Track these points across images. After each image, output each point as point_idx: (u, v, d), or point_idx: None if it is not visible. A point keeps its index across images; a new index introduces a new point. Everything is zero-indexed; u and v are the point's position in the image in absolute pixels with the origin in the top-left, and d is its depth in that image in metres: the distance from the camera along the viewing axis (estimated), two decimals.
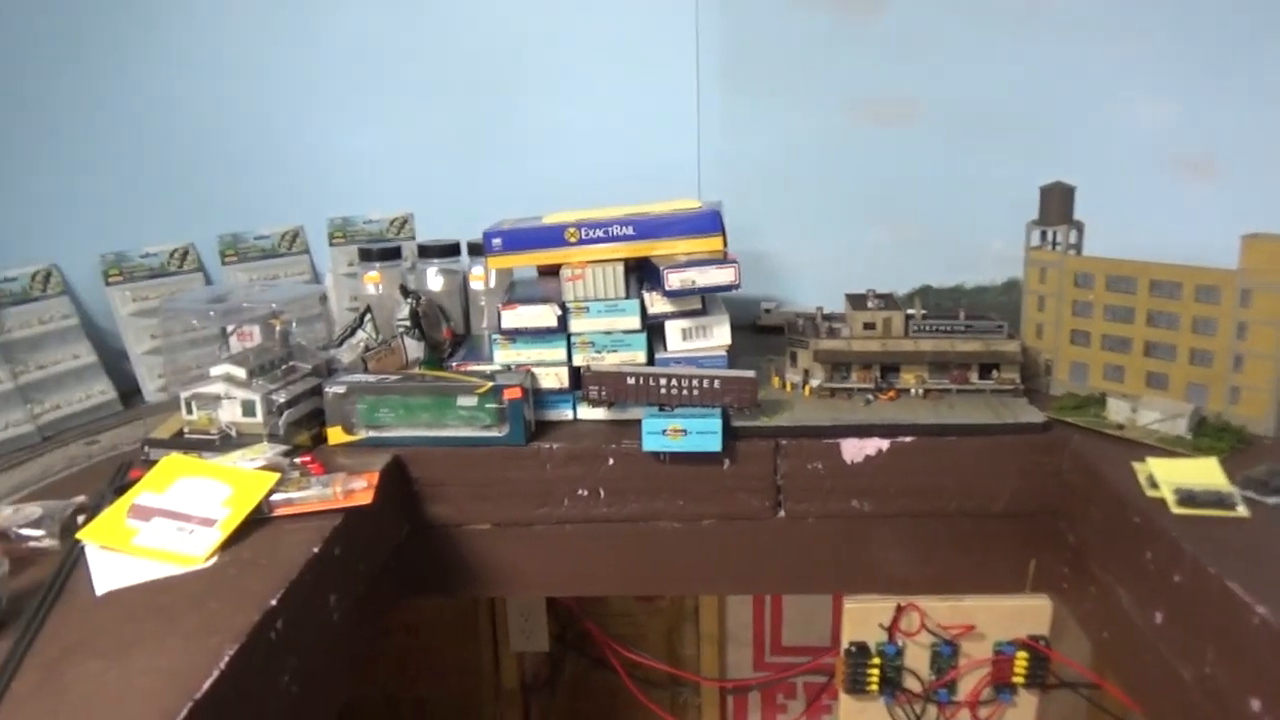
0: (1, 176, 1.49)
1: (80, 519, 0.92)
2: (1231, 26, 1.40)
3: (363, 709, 1.76)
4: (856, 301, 1.25)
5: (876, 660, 1.19)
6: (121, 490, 0.96)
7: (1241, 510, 0.87)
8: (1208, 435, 1.03)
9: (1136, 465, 0.97)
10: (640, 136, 1.52)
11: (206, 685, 0.67)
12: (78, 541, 0.88)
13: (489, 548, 1.15)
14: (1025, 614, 1.17)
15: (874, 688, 1.19)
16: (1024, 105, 1.47)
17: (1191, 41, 1.41)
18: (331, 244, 1.52)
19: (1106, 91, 1.45)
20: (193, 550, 0.86)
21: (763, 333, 1.53)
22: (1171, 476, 0.92)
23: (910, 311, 1.22)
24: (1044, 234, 1.24)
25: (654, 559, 1.14)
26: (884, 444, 1.08)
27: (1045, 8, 1.43)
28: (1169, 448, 1.01)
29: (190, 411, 1.09)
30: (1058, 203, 1.22)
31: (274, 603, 0.78)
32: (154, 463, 1.00)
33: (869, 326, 1.21)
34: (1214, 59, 1.41)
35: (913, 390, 1.18)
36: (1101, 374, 1.17)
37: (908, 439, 1.08)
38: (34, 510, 0.91)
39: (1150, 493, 0.92)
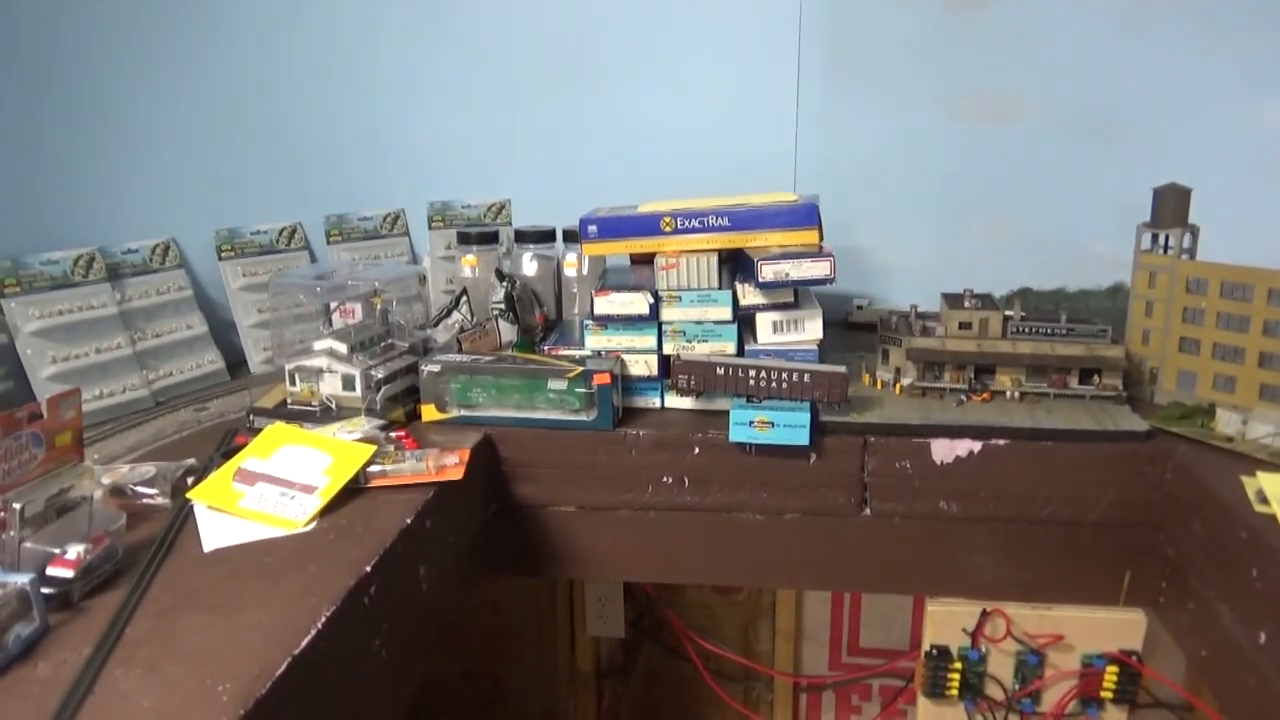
0: (127, 154, 1.57)
1: (190, 480, 0.97)
2: None
3: (442, 682, 1.80)
4: (953, 301, 1.22)
5: (958, 664, 1.17)
6: (228, 455, 1.00)
7: None
8: None
9: (1246, 479, 0.93)
10: (738, 128, 1.51)
11: (305, 642, 0.70)
12: (187, 501, 0.93)
13: (573, 530, 1.16)
14: (1117, 627, 1.13)
15: (954, 692, 1.17)
16: (1135, 103, 1.41)
17: None
18: (431, 227, 1.55)
19: (1226, 90, 1.38)
20: (294, 514, 0.89)
21: (854, 330, 1.51)
22: None
23: (1009, 313, 1.19)
24: (1155, 237, 1.19)
25: (735, 550, 1.14)
26: (975, 446, 1.06)
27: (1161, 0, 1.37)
28: None
29: (294, 383, 1.13)
30: (1172, 205, 1.17)
31: (368, 569, 0.81)
32: (258, 430, 1.05)
33: (965, 326, 1.19)
34: None
35: (1008, 393, 1.15)
36: (1211, 384, 1.13)
37: (1001, 442, 1.06)
38: (148, 469, 0.96)
39: (1259, 508, 0.88)
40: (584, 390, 1.11)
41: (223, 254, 1.47)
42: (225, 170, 1.59)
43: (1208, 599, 0.94)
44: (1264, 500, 0.88)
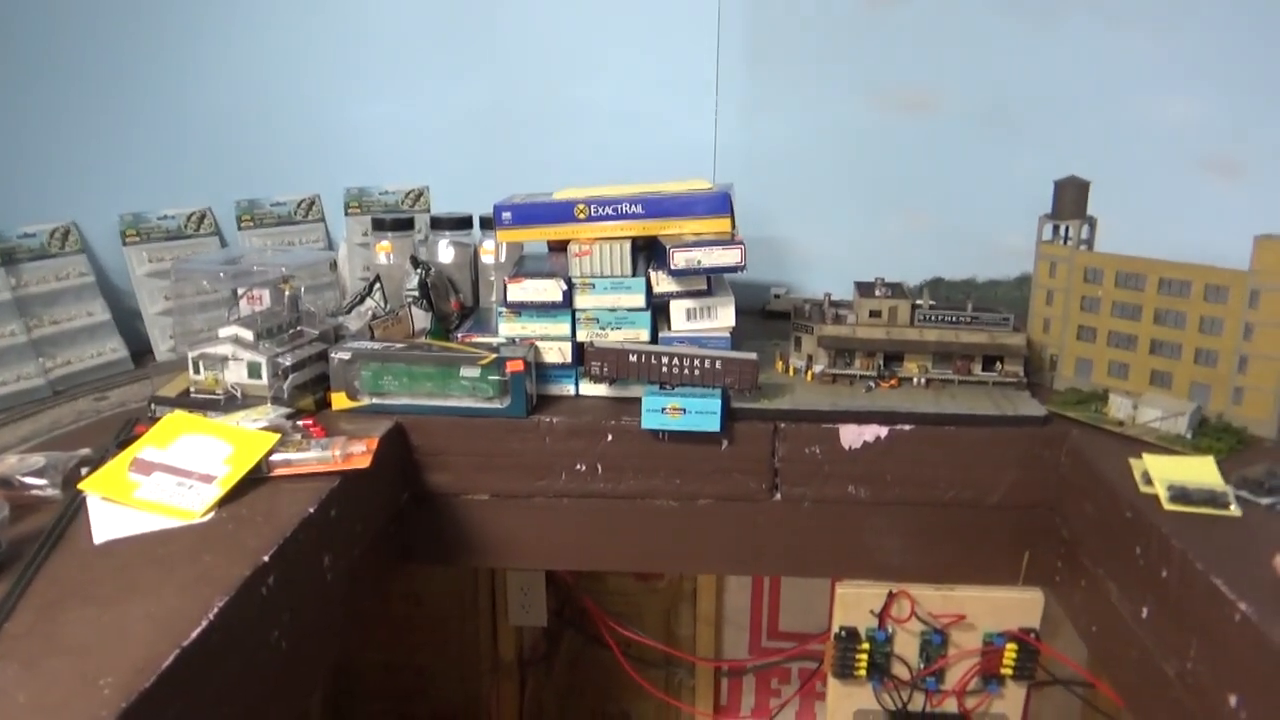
0: (24, 134, 1.51)
1: (83, 471, 0.94)
2: (1263, 26, 1.38)
3: (362, 674, 1.78)
4: (864, 289, 1.24)
5: (866, 645, 1.19)
6: (125, 445, 0.98)
7: (1234, 509, 0.87)
8: (1208, 435, 1.03)
9: (1133, 462, 0.97)
10: (658, 117, 1.51)
11: (195, 633, 0.68)
12: (79, 492, 0.90)
13: (487, 518, 1.16)
14: (1017, 606, 1.17)
15: (862, 672, 1.20)
16: (1047, 98, 1.45)
17: (1222, 39, 1.39)
18: (347, 214, 1.53)
19: (1132, 86, 1.43)
20: (191, 505, 0.87)
21: (771, 318, 1.53)
22: (1166, 474, 0.92)
23: (918, 302, 1.21)
24: (1056, 228, 1.23)
25: (649, 536, 1.15)
26: (882, 431, 1.09)
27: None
28: (1168, 446, 1.01)
29: (197, 371, 1.11)
30: (1071, 197, 1.21)
31: (266, 558, 0.79)
32: (159, 419, 1.02)
33: (875, 314, 1.21)
34: (1244, 58, 1.39)
35: (915, 379, 1.18)
36: (1106, 370, 1.17)
37: (906, 427, 1.09)
38: (37, 459, 0.93)
39: (1144, 489, 0.91)
40: (497, 378, 1.11)
41: (127, 239, 1.43)
42: (129, 152, 1.53)
43: (1098, 577, 0.98)
44: (1148, 481, 0.92)
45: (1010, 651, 1.17)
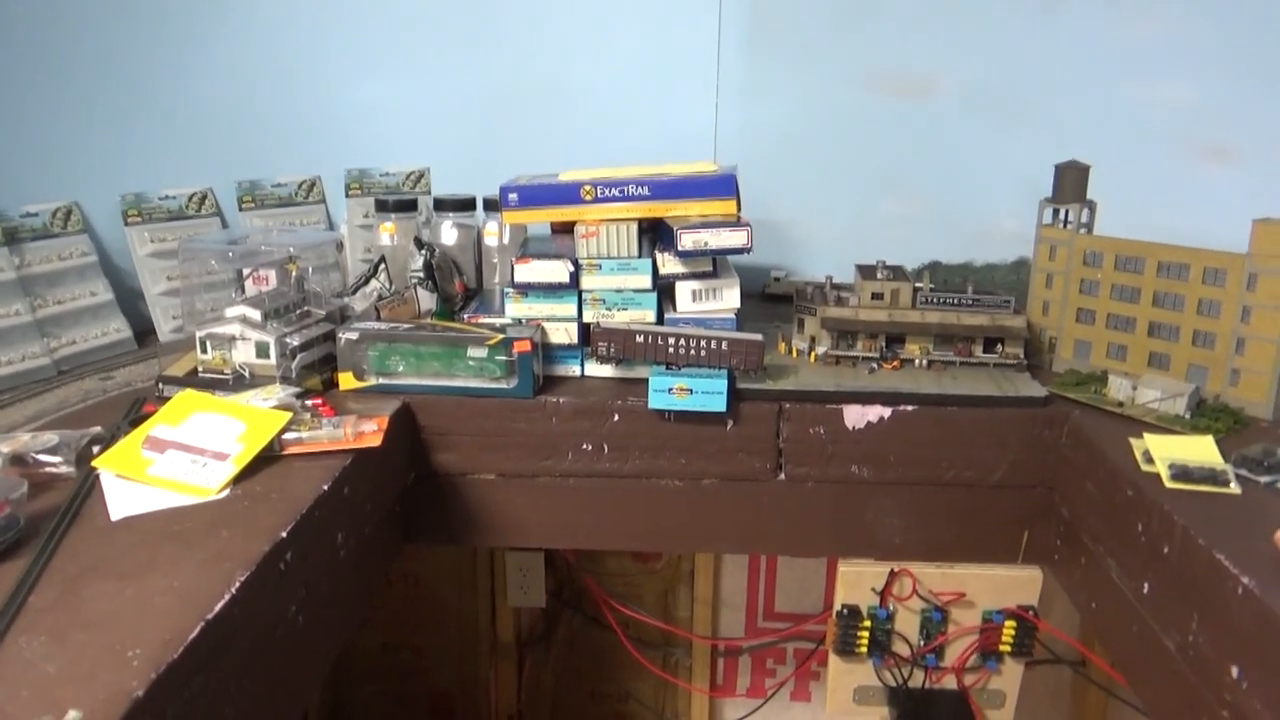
0: (26, 114, 1.50)
1: (95, 449, 0.94)
2: (1256, 13, 1.40)
3: (361, 654, 1.79)
4: (866, 272, 1.26)
5: (867, 623, 1.21)
6: (136, 423, 0.98)
7: (1234, 487, 0.89)
8: (1206, 416, 1.05)
9: (1133, 441, 0.98)
10: (659, 99, 1.52)
11: (219, 607, 0.69)
12: (93, 469, 0.90)
13: (493, 497, 1.17)
14: (1016, 584, 1.19)
15: (863, 650, 1.22)
16: (1044, 83, 1.47)
17: (1215, 25, 1.41)
18: (348, 195, 1.53)
19: (1128, 72, 1.45)
20: (206, 482, 0.88)
21: (771, 300, 1.54)
22: (1167, 453, 0.93)
23: (918, 284, 1.23)
24: (1056, 212, 1.24)
25: (654, 516, 1.16)
26: (885, 412, 1.10)
27: None
28: (1167, 426, 1.03)
29: (205, 351, 1.11)
30: (1072, 181, 1.22)
31: (284, 535, 0.80)
32: (167, 398, 1.02)
33: (877, 296, 1.22)
34: (1236, 44, 1.41)
35: (917, 361, 1.19)
36: (1105, 352, 1.19)
37: (909, 408, 1.10)
38: (51, 437, 0.93)
39: (1145, 468, 0.93)
40: (504, 358, 1.11)
41: (129, 219, 1.42)
42: (131, 132, 1.52)
43: (1097, 554, 1.00)
44: (1149, 460, 0.94)
45: (1009, 628, 1.19)
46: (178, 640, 0.64)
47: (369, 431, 0.98)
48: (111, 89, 1.51)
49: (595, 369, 1.18)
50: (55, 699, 0.58)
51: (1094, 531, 1.01)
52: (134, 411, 1.05)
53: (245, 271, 1.19)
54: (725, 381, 1.08)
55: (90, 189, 1.43)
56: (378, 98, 1.54)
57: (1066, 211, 1.23)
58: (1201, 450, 0.95)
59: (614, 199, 1.17)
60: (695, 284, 1.16)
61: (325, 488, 0.89)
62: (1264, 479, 0.90)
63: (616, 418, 1.12)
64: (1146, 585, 0.89)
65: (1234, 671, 0.73)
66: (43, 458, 0.91)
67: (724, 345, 1.10)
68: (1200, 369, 1.10)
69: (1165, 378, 1.11)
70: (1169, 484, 0.89)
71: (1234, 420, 1.04)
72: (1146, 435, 0.98)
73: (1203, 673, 0.79)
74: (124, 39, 1.50)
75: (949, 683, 1.23)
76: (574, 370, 1.18)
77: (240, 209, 1.51)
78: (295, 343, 1.10)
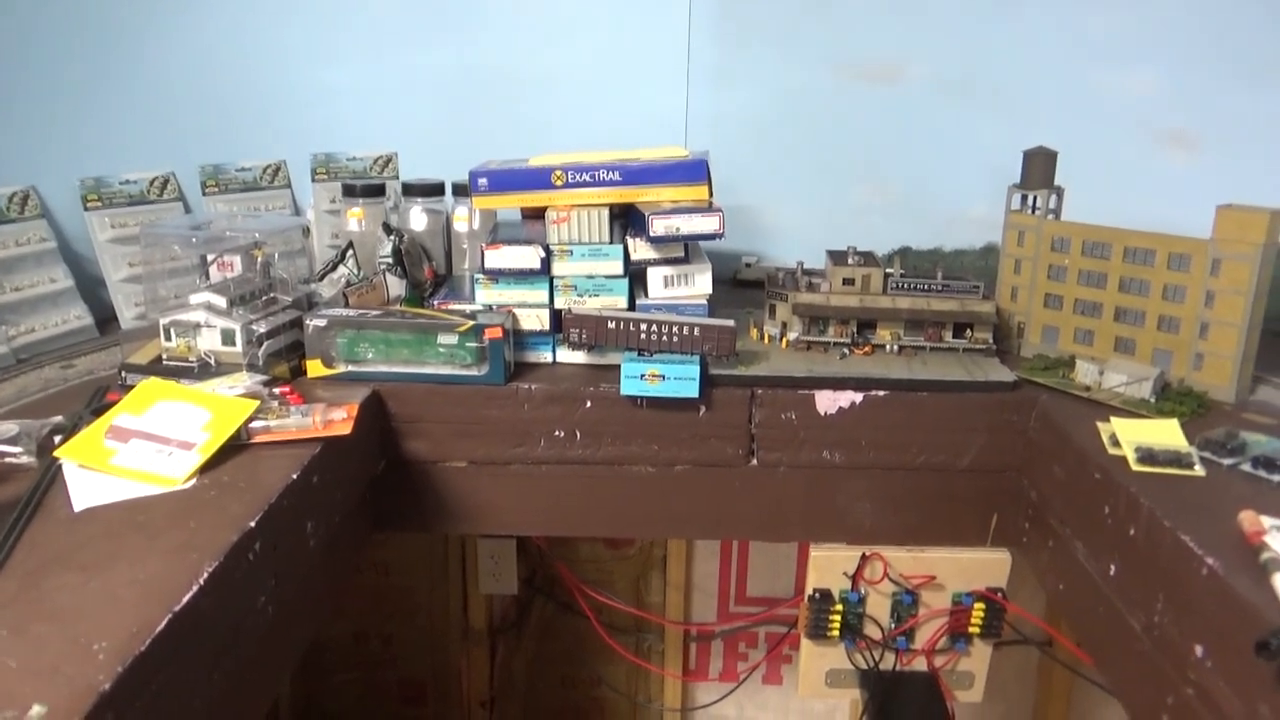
0: None
1: (57, 439, 0.92)
2: (1219, 1, 1.41)
3: (332, 644, 1.78)
4: (837, 258, 1.26)
5: (839, 607, 1.22)
6: (99, 412, 0.96)
7: (1198, 470, 0.90)
8: (1170, 399, 1.06)
9: (1100, 425, 1.00)
10: (630, 84, 1.51)
11: (186, 598, 0.68)
12: (55, 460, 0.88)
13: (465, 485, 1.16)
14: (985, 567, 1.20)
15: (835, 633, 1.23)
16: (1011, 70, 1.48)
17: (1180, 13, 1.42)
18: (314, 180, 1.51)
19: (1094, 59, 1.46)
20: (172, 471, 0.86)
21: (742, 286, 1.54)
22: (1133, 436, 0.95)
23: (889, 270, 1.23)
24: (1024, 198, 1.25)
25: (627, 502, 1.16)
26: (857, 397, 1.10)
27: None
28: (1133, 410, 1.04)
29: (169, 338, 1.09)
30: (1040, 167, 1.23)
31: (252, 524, 0.79)
32: (131, 387, 1.00)
33: (848, 282, 1.23)
34: (1201, 32, 1.43)
35: (888, 346, 1.20)
36: (1072, 337, 1.20)
37: (880, 393, 1.10)
38: (10, 427, 0.91)
39: (1112, 451, 0.94)
40: (475, 345, 1.10)
41: (89, 204, 1.39)
42: (90, 115, 1.49)
43: (1065, 537, 1.01)
44: (1116, 444, 0.95)
45: (978, 610, 1.21)
46: (144, 632, 0.63)
47: (338, 419, 0.97)
48: (70, 70, 1.47)
49: (567, 355, 1.17)
50: (18, 694, 0.57)
51: (1061, 514, 1.03)
52: (96, 400, 1.03)
53: (210, 257, 1.17)
54: (697, 367, 1.08)
55: (48, 173, 1.39)
56: (344, 80, 1.51)
57: (1034, 197, 1.24)
58: (1166, 434, 0.96)
59: (585, 184, 1.16)
60: (667, 270, 1.16)
61: (294, 477, 0.88)
62: (1227, 461, 0.91)
63: (589, 404, 1.12)
64: (1113, 567, 0.90)
65: (1198, 651, 0.75)
66: (2, 448, 0.89)
67: (696, 331, 1.10)
68: (1165, 353, 1.11)
69: (1131, 362, 1.13)
70: (1135, 467, 0.90)
71: (1198, 404, 1.05)
72: (1113, 419, 1.00)
73: (1167, 652, 0.80)
74: (83, 20, 1.46)
75: (919, 665, 1.25)
76: (546, 357, 1.18)
77: (204, 193, 1.49)
78: (261, 330, 1.08)
